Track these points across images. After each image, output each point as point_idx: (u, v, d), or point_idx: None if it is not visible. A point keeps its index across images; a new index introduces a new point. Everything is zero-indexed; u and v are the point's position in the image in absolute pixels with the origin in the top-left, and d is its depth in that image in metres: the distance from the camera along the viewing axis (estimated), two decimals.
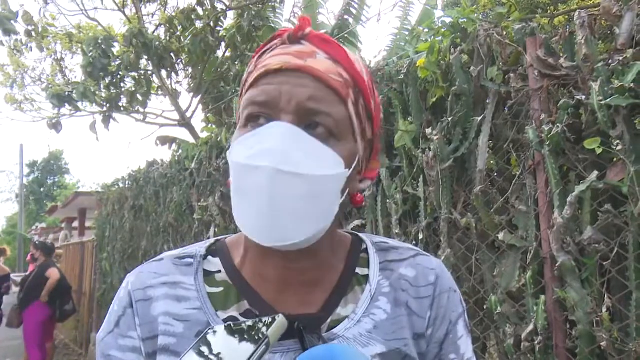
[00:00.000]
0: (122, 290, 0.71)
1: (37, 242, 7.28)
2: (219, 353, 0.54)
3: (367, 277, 0.72)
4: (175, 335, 0.66)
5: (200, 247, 0.74)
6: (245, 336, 0.55)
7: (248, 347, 0.54)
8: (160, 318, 0.67)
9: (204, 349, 0.55)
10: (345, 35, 7.19)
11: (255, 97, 0.63)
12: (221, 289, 0.69)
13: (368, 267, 0.73)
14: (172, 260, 0.72)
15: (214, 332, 0.57)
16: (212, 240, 0.76)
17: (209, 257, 0.73)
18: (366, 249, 0.75)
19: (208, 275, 0.71)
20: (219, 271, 0.71)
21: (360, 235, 0.78)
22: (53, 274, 6.62)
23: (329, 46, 0.66)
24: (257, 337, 0.55)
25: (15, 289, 7.41)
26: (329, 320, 0.68)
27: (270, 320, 0.57)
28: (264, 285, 0.69)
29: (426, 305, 0.71)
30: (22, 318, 6.38)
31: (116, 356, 0.67)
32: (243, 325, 0.57)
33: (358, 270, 0.73)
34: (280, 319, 0.57)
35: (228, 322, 0.60)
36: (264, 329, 0.55)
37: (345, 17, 7.55)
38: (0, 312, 6.51)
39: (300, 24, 0.66)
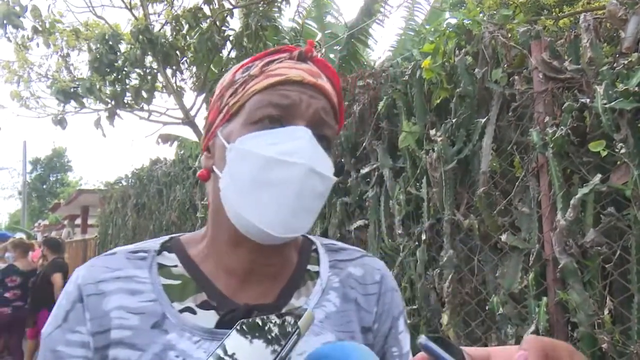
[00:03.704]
0: (71, 284, 0.70)
1: (51, 239, 7.13)
2: (253, 342, 0.56)
3: (318, 273, 0.77)
4: (130, 328, 0.67)
5: (154, 243, 0.76)
6: (276, 329, 0.57)
7: (280, 338, 0.56)
8: (113, 312, 0.67)
9: (241, 338, 0.56)
10: (359, 36, 7.21)
11: (278, 100, 0.69)
12: (178, 282, 0.72)
13: (318, 264, 0.79)
14: (126, 254, 0.73)
15: (241, 325, 0.58)
16: (165, 237, 0.79)
17: (164, 253, 0.75)
18: (316, 249, 0.81)
19: (163, 269, 0.73)
20: (176, 265, 0.74)
21: (310, 236, 0.83)
22: (57, 280, 6.38)
23: (329, 71, 0.76)
24: (288, 329, 0.57)
25: None
26: (283, 310, 0.71)
27: (288, 317, 0.59)
28: (225, 279, 0.72)
29: (373, 301, 0.78)
30: (35, 318, 6.26)
31: (64, 351, 0.67)
32: (272, 319, 0.59)
33: (309, 267, 0.78)
34: (308, 311, 0.60)
35: (241, 320, 0.60)
36: (294, 321, 0.58)
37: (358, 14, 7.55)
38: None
39: (308, 46, 0.74)
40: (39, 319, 6.15)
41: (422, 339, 0.44)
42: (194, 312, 0.69)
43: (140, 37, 6.48)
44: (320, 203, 0.70)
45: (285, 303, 0.72)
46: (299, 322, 0.57)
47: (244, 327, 0.57)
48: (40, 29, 7.62)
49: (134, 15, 7.50)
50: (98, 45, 6.83)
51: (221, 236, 0.72)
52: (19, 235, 7.01)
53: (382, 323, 0.77)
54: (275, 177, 0.65)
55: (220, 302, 0.70)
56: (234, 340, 0.56)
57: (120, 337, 0.66)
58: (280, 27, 7.59)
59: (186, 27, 6.91)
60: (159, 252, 0.74)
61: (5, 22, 6.94)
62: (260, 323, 0.58)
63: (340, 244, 0.83)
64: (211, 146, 0.74)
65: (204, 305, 0.69)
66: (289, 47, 0.75)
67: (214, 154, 0.73)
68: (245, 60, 0.76)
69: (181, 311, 0.68)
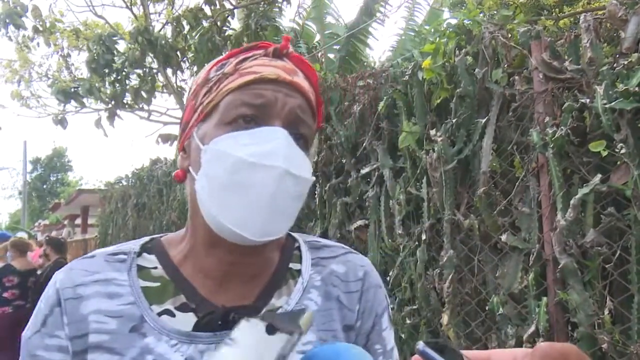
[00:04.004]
0: (50, 288, 0.70)
1: (54, 239, 7.07)
2: (250, 345, 0.55)
3: (299, 271, 0.76)
4: (108, 332, 0.66)
5: (134, 244, 0.75)
6: (277, 328, 0.57)
7: (280, 338, 0.55)
8: (91, 316, 0.67)
9: (235, 342, 0.55)
10: (359, 35, 7.20)
11: (252, 99, 0.67)
12: (158, 284, 0.70)
13: (300, 262, 0.77)
14: (105, 257, 0.72)
15: (242, 326, 0.57)
16: (146, 238, 0.78)
17: (144, 254, 0.74)
18: (299, 246, 0.79)
19: (143, 270, 0.72)
20: (155, 267, 0.73)
21: (293, 234, 0.82)
22: None
23: (305, 67, 0.73)
24: (288, 329, 0.56)
25: None
26: (263, 310, 0.70)
27: (295, 313, 0.59)
28: (204, 281, 0.71)
29: (355, 299, 0.76)
30: None
31: (43, 356, 0.67)
32: (272, 317, 0.58)
33: (291, 265, 0.76)
34: (309, 311, 0.59)
35: (244, 317, 0.60)
36: (294, 320, 0.57)
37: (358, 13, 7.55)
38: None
39: (284, 42, 0.72)
40: None
41: (420, 345, 0.44)
42: (173, 315, 0.68)
43: (140, 38, 6.48)
44: (298, 205, 0.68)
45: (265, 304, 0.71)
46: (299, 321, 0.57)
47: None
48: (40, 28, 7.64)
49: (134, 14, 7.52)
50: (95, 46, 6.84)
51: (199, 237, 0.71)
52: (20, 234, 6.99)
53: (364, 321, 0.75)
54: (250, 179, 0.63)
55: (199, 304, 0.69)
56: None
57: (98, 341, 0.65)
58: (280, 27, 7.58)
59: (187, 27, 6.92)
60: (139, 254, 0.73)
61: (7, 21, 6.95)
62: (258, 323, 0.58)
63: (324, 241, 0.82)
64: (187, 146, 0.73)
65: (182, 308, 0.68)
66: (265, 43, 0.73)
67: (189, 155, 0.72)
68: (220, 57, 0.74)
69: (160, 314, 0.67)
